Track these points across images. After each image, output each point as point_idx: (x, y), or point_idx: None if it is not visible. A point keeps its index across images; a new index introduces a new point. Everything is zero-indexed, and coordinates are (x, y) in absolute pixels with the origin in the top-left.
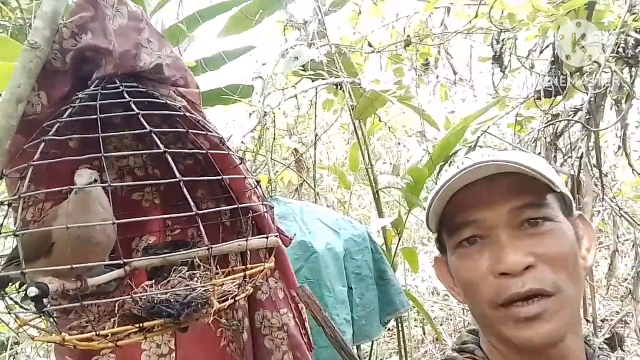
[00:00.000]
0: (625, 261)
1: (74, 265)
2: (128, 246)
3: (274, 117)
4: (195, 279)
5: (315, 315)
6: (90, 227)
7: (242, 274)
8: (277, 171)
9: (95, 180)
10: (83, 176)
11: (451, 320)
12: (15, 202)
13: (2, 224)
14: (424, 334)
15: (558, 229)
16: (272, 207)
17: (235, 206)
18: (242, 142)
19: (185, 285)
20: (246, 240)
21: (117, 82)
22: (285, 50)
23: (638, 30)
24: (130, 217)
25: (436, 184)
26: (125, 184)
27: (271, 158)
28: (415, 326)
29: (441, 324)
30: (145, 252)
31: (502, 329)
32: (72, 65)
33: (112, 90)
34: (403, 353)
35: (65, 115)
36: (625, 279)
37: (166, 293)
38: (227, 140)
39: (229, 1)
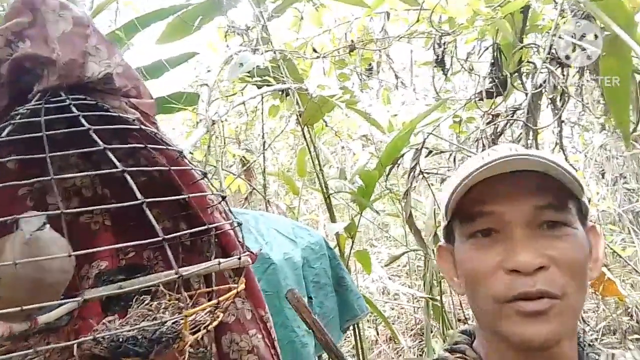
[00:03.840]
0: None
1: (24, 307)
2: (76, 274)
3: (222, 125)
4: (162, 309)
5: (306, 319)
6: (44, 269)
7: (215, 301)
8: (223, 179)
9: (44, 224)
10: (31, 222)
11: (402, 318)
12: None
13: None
14: (377, 334)
15: (574, 236)
16: (241, 224)
17: (204, 227)
18: (190, 153)
19: (153, 319)
20: (219, 264)
21: (63, 94)
22: (230, 56)
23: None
24: (78, 243)
25: (387, 186)
26: (81, 209)
27: (221, 167)
28: (369, 327)
29: (393, 323)
30: (98, 280)
31: (503, 325)
32: (8, 77)
33: (57, 104)
34: (360, 355)
35: (4, 134)
36: None
37: (132, 330)
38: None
39: (166, 8)
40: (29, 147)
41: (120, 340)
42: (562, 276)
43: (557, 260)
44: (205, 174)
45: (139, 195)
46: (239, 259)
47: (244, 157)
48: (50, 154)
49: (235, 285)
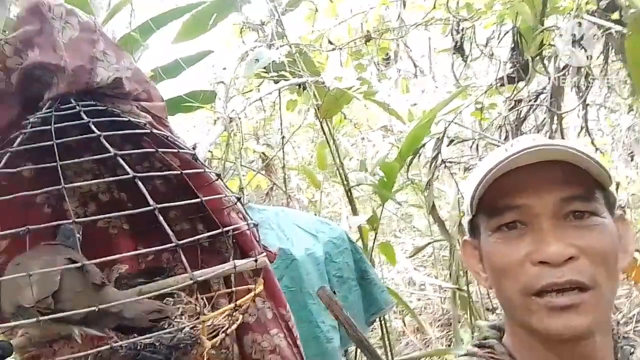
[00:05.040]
0: None
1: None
2: None
3: (240, 122)
4: (179, 314)
5: (337, 316)
6: None
7: (232, 305)
8: (243, 175)
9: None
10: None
11: (429, 309)
12: None
13: None
14: (405, 325)
15: (603, 225)
16: (256, 225)
17: (219, 230)
18: (209, 152)
19: (169, 324)
20: (234, 266)
21: (73, 101)
22: (245, 52)
23: (590, 12)
24: (96, 248)
25: (408, 177)
26: (96, 217)
27: (241, 164)
28: (395, 318)
29: (420, 314)
30: (117, 284)
31: (531, 319)
32: (18, 86)
33: (68, 111)
34: (388, 346)
35: (16, 144)
36: None
37: (150, 337)
38: (194, 149)
39: (182, 7)
40: (43, 154)
41: (138, 347)
42: (592, 266)
43: (586, 251)
44: (219, 175)
45: (151, 201)
46: (256, 260)
47: (263, 153)
48: (62, 162)
49: (254, 286)
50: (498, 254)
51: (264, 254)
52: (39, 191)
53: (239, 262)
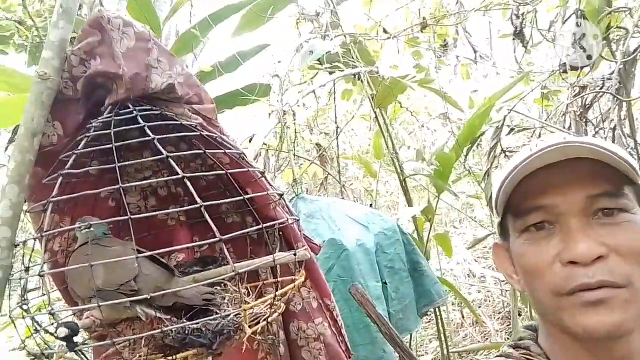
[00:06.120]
0: None
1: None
2: None
3: (294, 114)
4: (226, 302)
5: (370, 313)
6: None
7: (272, 295)
8: (301, 164)
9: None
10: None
11: (489, 302)
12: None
13: (28, 266)
14: (463, 317)
15: (634, 222)
16: (298, 220)
17: (261, 226)
18: (264, 144)
19: (215, 312)
20: (274, 261)
21: (131, 106)
22: (300, 45)
23: None
24: (156, 238)
25: (466, 166)
26: (149, 214)
27: (295, 155)
28: (454, 310)
29: (480, 307)
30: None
31: (565, 318)
32: (83, 92)
33: (126, 116)
34: (443, 338)
35: (81, 146)
36: None
37: (198, 323)
38: (250, 141)
39: (240, 3)
40: (107, 153)
41: (187, 332)
42: (626, 264)
43: (617, 249)
44: (263, 174)
45: (197, 199)
46: (295, 254)
47: (317, 143)
48: (120, 164)
49: (297, 280)
50: (527, 255)
51: (305, 247)
52: (100, 190)
53: (278, 256)
